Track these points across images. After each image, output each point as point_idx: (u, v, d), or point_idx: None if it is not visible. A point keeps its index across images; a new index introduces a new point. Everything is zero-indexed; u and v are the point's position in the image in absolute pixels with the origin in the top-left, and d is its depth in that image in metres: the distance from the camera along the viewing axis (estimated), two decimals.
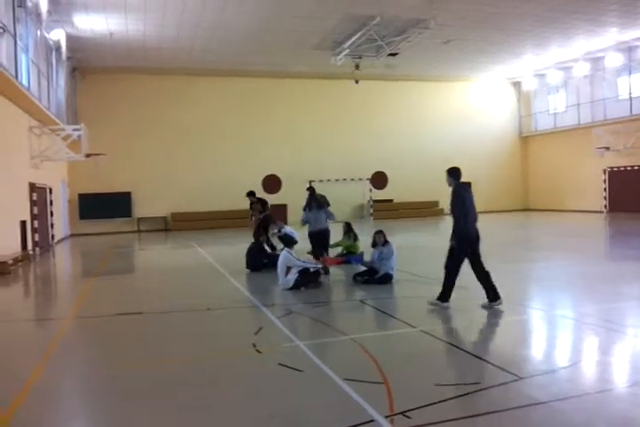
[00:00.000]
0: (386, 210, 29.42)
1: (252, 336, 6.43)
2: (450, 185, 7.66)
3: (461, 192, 7.51)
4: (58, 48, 20.22)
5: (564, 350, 5.97)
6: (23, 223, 15.83)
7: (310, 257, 11.87)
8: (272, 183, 27.70)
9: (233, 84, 27.69)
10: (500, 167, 32.54)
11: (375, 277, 9.71)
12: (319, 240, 11.49)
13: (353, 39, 21.60)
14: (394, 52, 22.84)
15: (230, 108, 27.80)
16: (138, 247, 20.53)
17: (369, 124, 29.88)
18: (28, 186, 16.83)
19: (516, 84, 32.99)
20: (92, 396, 4.99)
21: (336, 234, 13.79)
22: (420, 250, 14.80)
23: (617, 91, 27.09)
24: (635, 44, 24.76)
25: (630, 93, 26.16)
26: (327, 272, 10.92)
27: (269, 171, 27.86)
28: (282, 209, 25.67)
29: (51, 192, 20.30)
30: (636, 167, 26.05)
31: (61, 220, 23.07)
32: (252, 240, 12.89)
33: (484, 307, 7.50)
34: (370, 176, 29.59)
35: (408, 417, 4.05)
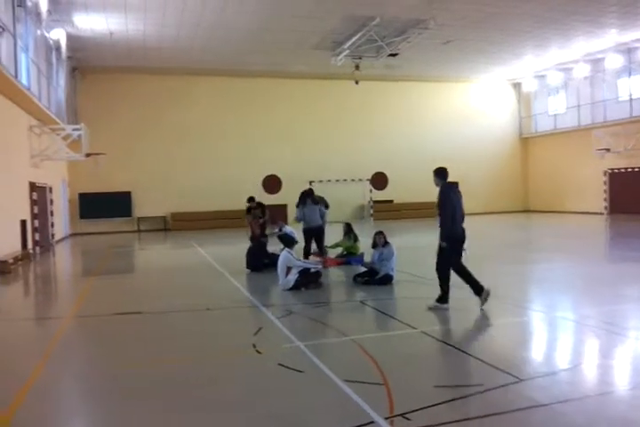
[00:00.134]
0: (386, 211, 29.42)
1: (251, 337, 6.42)
2: (437, 185, 7.74)
3: (448, 192, 7.58)
4: (58, 47, 20.22)
5: (565, 352, 5.96)
6: (23, 222, 15.82)
7: (314, 258, 11.90)
8: (272, 183, 27.74)
9: (233, 83, 27.70)
10: (500, 168, 32.54)
11: (375, 278, 9.70)
12: (312, 237, 11.86)
13: (353, 40, 21.60)
14: (394, 52, 22.83)
15: (230, 108, 27.80)
16: (138, 247, 20.52)
17: (369, 125, 29.88)
18: (29, 185, 16.82)
19: (517, 86, 32.99)
20: (91, 395, 4.98)
21: (335, 234, 13.84)
22: (421, 251, 14.77)
23: (617, 92, 27.09)
24: (634, 45, 24.75)
25: (630, 95, 26.17)
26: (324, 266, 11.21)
27: (269, 171, 27.89)
28: (282, 209, 25.68)
29: (51, 191, 20.28)
30: (636, 169, 26.03)
31: (61, 219, 23.06)
32: (250, 240, 12.86)
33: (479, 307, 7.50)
34: (370, 177, 29.60)
35: (408, 419, 4.04)
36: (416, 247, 15.82)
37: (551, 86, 31.04)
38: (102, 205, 25.56)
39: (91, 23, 19.13)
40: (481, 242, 17.45)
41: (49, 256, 17.29)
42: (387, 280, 9.65)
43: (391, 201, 30.05)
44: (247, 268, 11.85)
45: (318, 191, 15.79)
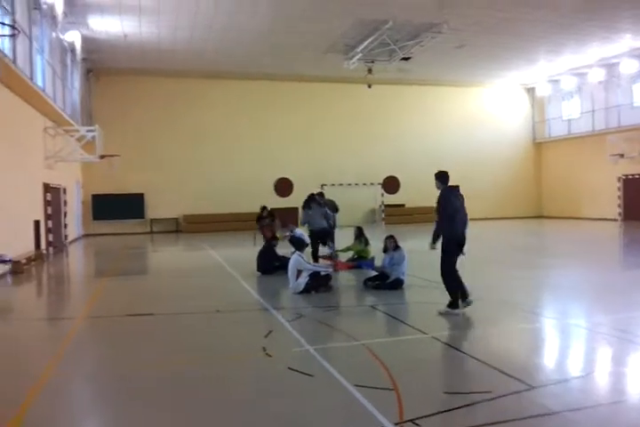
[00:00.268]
0: (397, 215, 29.32)
1: (261, 339, 6.42)
2: (438, 189, 7.75)
3: (449, 196, 7.58)
4: (73, 50, 20.42)
5: (577, 359, 5.90)
6: (37, 223, 15.94)
7: (325, 261, 11.93)
8: (284, 186, 27.71)
9: (246, 86, 27.80)
10: (513, 173, 32.37)
11: (386, 283, 9.67)
12: (317, 240, 12.16)
13: (365, 43, 21.61)
14: (406, 56, 22.81)
15: (243, 110, 27.89)
16: (150, 249, 20.62)
17: (382, 129, 29.87)
18: (43, 186, 16.95)
19: (530, 90, 32.83)
20: (101, 395, 5.01)
21: (346, 238, 13.83)
22: (432, 255, 14.69)
23: (631, 97, 26.86)
24: None
25: None
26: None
27: (282, 174, 27.89)
28: (293, 212, 25.65)
29: (65, 192, 20.44)
30: None
31: (75, 220, 23.23)
32: (264, 243, 12.90)
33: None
34: (382, 181, 29.57)
35: (417, 425, 4.01)
36: (427, 252, 15.71)
37: (565, 91, 30.84)
38: (115, 207, 25.72)
39: (105, 25, 19.30)
40: (493, 247, 17.37)
41: (62, 257, 17.41)
42: (397, 285, 9.61)
43: (403, 205, 29.97)
44: (258, 271, 11.86)
45: (330, 195, 15.84)
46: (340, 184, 28.46)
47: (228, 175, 27.46)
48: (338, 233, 13.90)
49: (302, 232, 13.37)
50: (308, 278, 9.51)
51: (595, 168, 28.71)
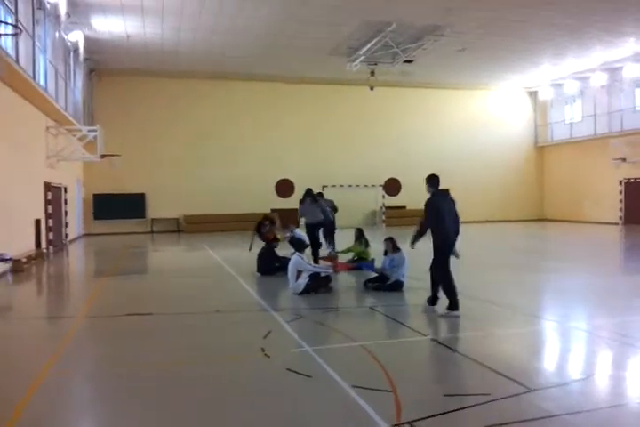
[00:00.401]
0: (398, 217, 29.26)
1: (260, 340, 6.41)
2: (428, 192, 7.88)
3: (437, 201, 7.73)
4: (75, 50, 20.44)
5: (577, 362, 5.88)
6: (37, 222, 15.95)
7: (325, 262, 11.95)
8: (285, 187, 27.76)
9: (248, 87, 27.80)
10: (515, 177, 32.31)
11: (386, 284, 9.66)
12: (313, 231, 12.56)
13: (368, 46, 21.61)
14: (409, 59, 22.81)
15: (245, 111, 27.91)
16: (150, 248, 20.61)
17: (384, 131, 29.87)
18: (44, 185, 16.96)
19: (533, 94, 32.82)
20: (98, 394, 5.00)
21: (346, 239, 13.83)
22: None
23: (634, 102, 26.82)
24: None
25: None
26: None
27: (283, 175, 27.94)
28: (294, 213, 25.59)
29: (66, 192, 20.45)
30: None
31: (75, 219, 23.23)
32: (263, 245, 12.90)
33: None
34: (383, 183, 29.54)
35: None
36: (428, 254, 15.69)
37: (567, 95, 30.81)
38: (116, 206, 25.73)
39: (108, 26, 19.32)
40: (495, 249, 17.36)
41: (62, 256, 17.41)
42: (397, 286, 9.60)
43: (403, 207, 29.94)
44: (258, 271, 11.85)
45: (331, 196, 15.87)
46: (342, 185, 28.46)
47: (229, 176, 27.45)
48: (338, 234, 13.92)
49: (302, 233, 13.42)
50: (307, 279, 9.50)
51: (597, 172, 28.68)
